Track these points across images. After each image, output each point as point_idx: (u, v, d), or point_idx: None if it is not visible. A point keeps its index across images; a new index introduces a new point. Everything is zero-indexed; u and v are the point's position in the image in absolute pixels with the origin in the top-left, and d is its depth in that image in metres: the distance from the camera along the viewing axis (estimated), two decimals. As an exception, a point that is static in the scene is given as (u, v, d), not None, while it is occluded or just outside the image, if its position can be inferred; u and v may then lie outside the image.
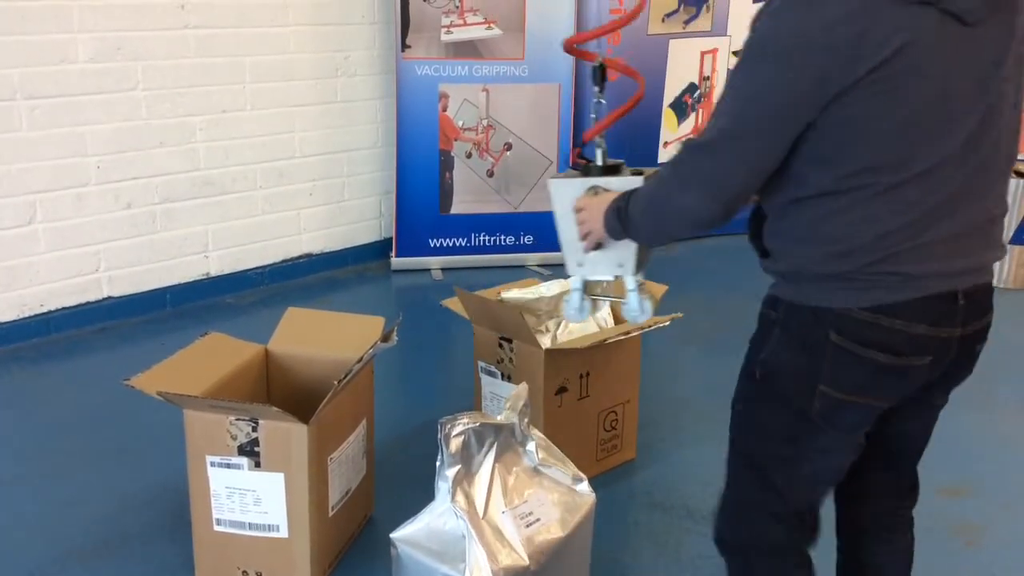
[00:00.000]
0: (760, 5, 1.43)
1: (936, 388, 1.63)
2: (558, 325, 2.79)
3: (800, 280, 1.51)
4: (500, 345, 2.66)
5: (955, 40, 1.36)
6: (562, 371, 2.59)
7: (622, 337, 2.60)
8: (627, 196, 1.63)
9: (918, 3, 1.32)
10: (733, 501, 1.71)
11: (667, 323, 2.61)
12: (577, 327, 2.79)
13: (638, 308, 1.95)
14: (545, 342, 2.67)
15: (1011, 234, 4.51)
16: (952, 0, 1.33)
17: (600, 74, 2.06)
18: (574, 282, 1.98)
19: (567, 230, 1.86)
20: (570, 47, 2.18)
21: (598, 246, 1.80)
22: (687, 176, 1.50)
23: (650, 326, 2.61)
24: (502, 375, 2.69)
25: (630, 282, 1.90)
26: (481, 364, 2.77)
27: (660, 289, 2.85)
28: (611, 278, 1.90)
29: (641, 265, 1.89)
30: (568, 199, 1.85)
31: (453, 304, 2.78)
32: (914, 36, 1.32)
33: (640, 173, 1.92)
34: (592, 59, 2.04)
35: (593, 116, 2.06)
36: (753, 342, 1.62)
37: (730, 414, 1.68)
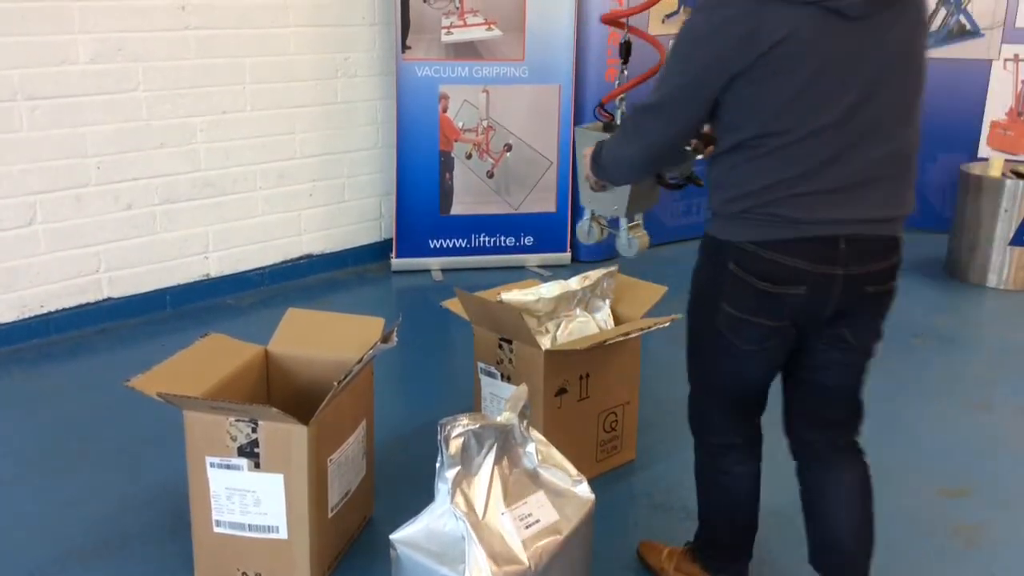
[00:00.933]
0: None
1: (839, 324, 1.88)
2: (558, 326, 2.79)
3: (716, 217, 1.90)
4: (500, 346, 2.66)
5: (836, 32, 1.68)
6: (562, 372, 2.59)
7: (621, 338, 2.60)
8: (599, 145, 2.07)
9: (802, 3, 1.66)
10: (690, 396, 2.13)
11: (667, 324, 2.61)
12: (576, 328, 2.79)
13: (626, 244, 2.41)
14: (545, 343, 2.67)
15: (1012, 235, 4.51)
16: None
17: (626, 49, 2.59)
18: (586, 212, 2.46)
19: (583, 172, 2.26)
20: (611, 19, 2.74)
21: (603, 188, 2.24)
22: (631, 131, 1.96)
23: (650, 327, 2.61)
24: (502, 376, 2.69)
25: (622, 221, 2.38)
26: (481, 365, 2.77)
27: (659, 291, 2.85)
28: (608, 215, 2.39)
29: (634, 210, 2.35)
30: (586, 146, 2.23)
31: (453, 305, 2.78)
32: (796, 30, 1.66)
33: None
34: (624, 28, 2.50)
35: (616, 83, 2.63)
36: (694, 269, 2.00)
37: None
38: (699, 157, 2.05)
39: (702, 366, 2.05)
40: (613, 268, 2.80)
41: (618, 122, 2.58)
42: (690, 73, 1.78)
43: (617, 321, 2.83)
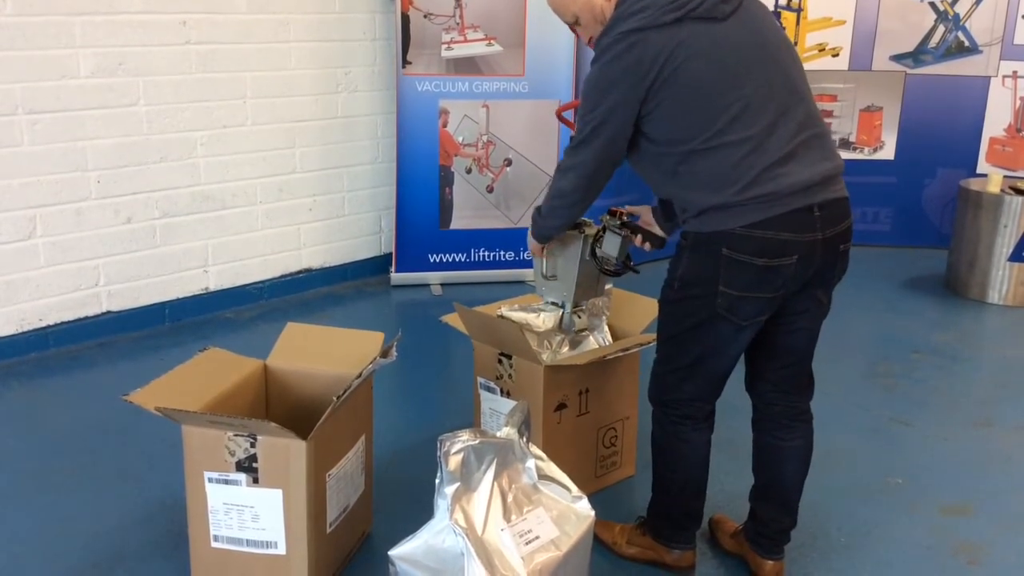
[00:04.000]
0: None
1: (815, 285, 2.11)
2: (561, 342, 2.78)
3: (699, 215, 2.04)
4: (499, 361, 2.66)
5: (716, 32, 1.97)
6: (561, 387, 2.58)
7: (620, 354, 2.60)
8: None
9: (673, 22, 1.95)
10: (658, 370, 2.29)
11: None
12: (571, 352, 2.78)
13: (568, 322, 2.68)
14: (545, 358, 2.67)
15: (1011, 251, 4.52)
16: (696, 10, 1.95)
17: None
18: (567, 306, 2.67)
19: (537, 264, 2.66)
20: (558, 114, 2.97)
21: (553, 277, 2.63)
22: (566, 168, 2.19)
23: (649, 342, 2.60)
24: (501, 391, 2.68)
25: (567, 306, 2.66)
26: (480, 380, 2.76)
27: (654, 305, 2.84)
28: (559, 301, 2.67)
29: (580, 297, 2.64)
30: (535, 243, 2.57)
31: (452, 320, 2.77)
32: (678, 44, 1.94)
33: (585, 224, 2.59)
34: (572, 127, 2.63)
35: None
36: (671, 265, 2.17)
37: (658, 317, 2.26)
38: (642, 246, 2.40)
39: (684, 346, 2.19)
40: (608, 286, 2.80)
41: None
42: (603, 112, 2.03)
43: (615, 336, 2.83)
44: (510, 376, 2.64)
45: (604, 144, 2.08)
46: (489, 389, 2.73)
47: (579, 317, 2.73)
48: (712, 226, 2.03)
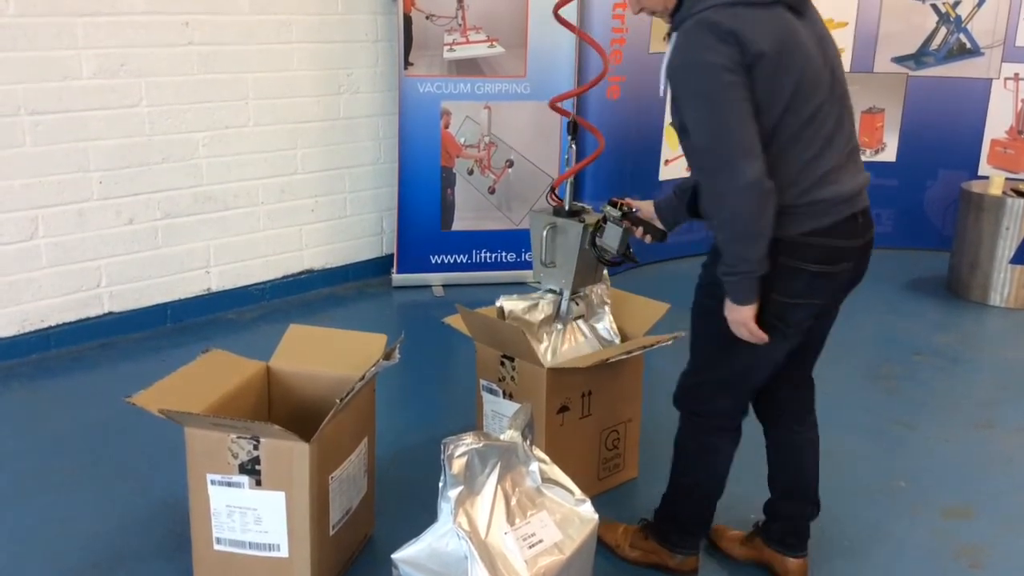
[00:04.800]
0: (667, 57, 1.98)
1: (845, 289, 2.15)
2: (558, 336, 2.77)
3: None
4: (502, 363, 2.66)
5: (800, 25, 1.93)
6: (564, 390, 2.58)
7: (624, 356, 2.59)
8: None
9: (770, 3, 1.88)
10: (692, 381, 2.24)
11: (669, 342, 2.61)
12: (570, 342, 2.77)
13: (566, 309, 2.71)
14: (544, 353, 2.66)
15: (1013, 253, 4.51)
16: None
17: (573, 127, 2.81)
18: (566, 294, 2.71)
19: (536, 251, 2.69)
20: (552, 105, 2.97)
21: (552, 264, 2.67)
22: (717, 168, 1.91)
23: (653, 344, 2.60)
24: (504, 393, 2.68)
25: (566, 293, 2.70)
26: (483, 382, 2.76)
27: (662, 308, 2.84)
28: (557, 288, 2.71)
29: (579, 284, 2.69)
30: (537, 229, 2.68)
31: (454, 321, 2.77)
32: (776, 30, 1.87)
33: (585, 211, 2.68)
34: (568, 115, 2.76)
35: (567, 158, 2.85)
36: (708, 272, 2.10)
37: (691, 326, 2.21)
38: (643, 238, 2.38)
39: (724, 358, 2.14)
40: (603, 273, 2.79)
41: (567, 207, 2.71)
42: (721, 107, 1.87)
43: (622, 335, 2.81)
44: (512, 378, 2.64)
45: (733, 115, 1.91)
46: (491, 391, 2.72)
47: (576, 304, 2.74)
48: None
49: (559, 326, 2.77)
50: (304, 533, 2.13)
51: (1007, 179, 4.77)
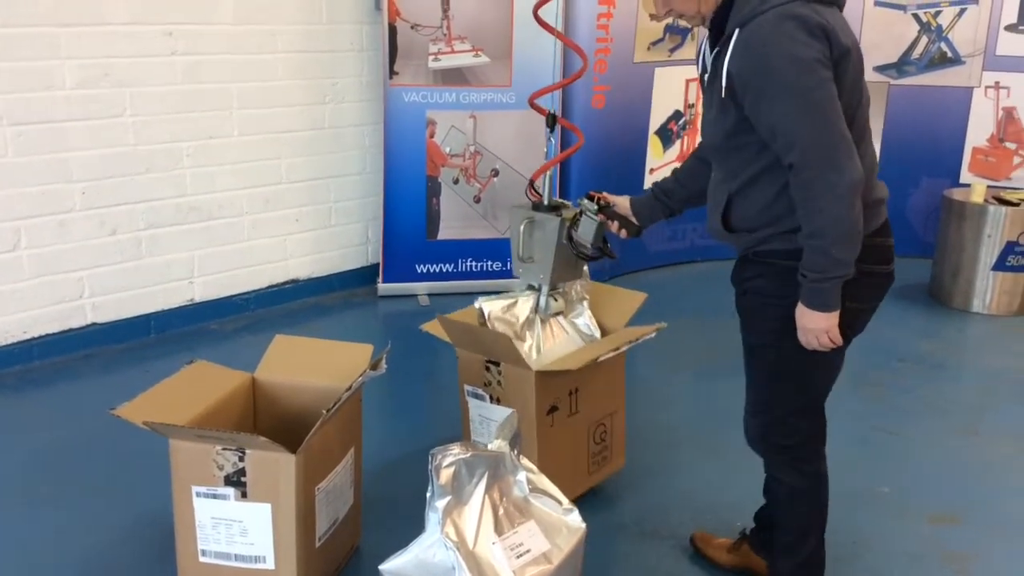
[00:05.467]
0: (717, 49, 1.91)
1: None
2: (536, 335, 2.76)
3: (792, 232, 1.90)
4: (487, 368, 2.64)
5: (846, 23, 1.88)
6: (552, 390, 2.57)
7: (612, 354, 2.58)
8: (806, 267, 1.88)
9: (831, 2, 1.86)
10: (771, 417, 2.11)
11: (653, 334, 2.61)
12: (553, 339, 2.77)
13: (544, 305, 2.69)
14: (528, 352, 2.64)
15: (995, 260, 4.55)
16: None
17: (551, 121, 2.78)
18: (544, 289, 2.68)
19: (514, 245, 2.66)
20: (531, 101, 2.92)
21: (531, 259, 2.62)
22: (821, 167, 1.80)
23: (638, 338, 2.60)
24: (491, 398, 2.67)
25: (544, 288, 2.67)
26: (468, 388, 2.74)
27: (639, 297, 2.83)
28: (536, 284, 2.69)
29: (557, 279, 2.66)
30: (516, 223, 2.64)
31: (432, 327, 2.75)
32: (848, 28, 1.86)
33: (564, 206, 2.65)
34: (545, 113, 2.75)
35: (545, 151, 2.83)
36: (765, 302, 2.00)
37: (749, 360, 2.11)
38: (618, 232, 2.39)
39: (804, 383, 2.06)
40: (584, 269, 2.79)
41: (546, 202, 2.68)
42: (821, 104, 1.79)
43: (603, 331, 2.80)
44: (499, 383, 2.63)
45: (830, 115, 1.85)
46: (478, 396, 2.71)
47: (555, 300, 2.72)
48: None
49: (539, 323, 2.76)
50: (290, 545, 2.12)
51: (989, 187, 4.81)
